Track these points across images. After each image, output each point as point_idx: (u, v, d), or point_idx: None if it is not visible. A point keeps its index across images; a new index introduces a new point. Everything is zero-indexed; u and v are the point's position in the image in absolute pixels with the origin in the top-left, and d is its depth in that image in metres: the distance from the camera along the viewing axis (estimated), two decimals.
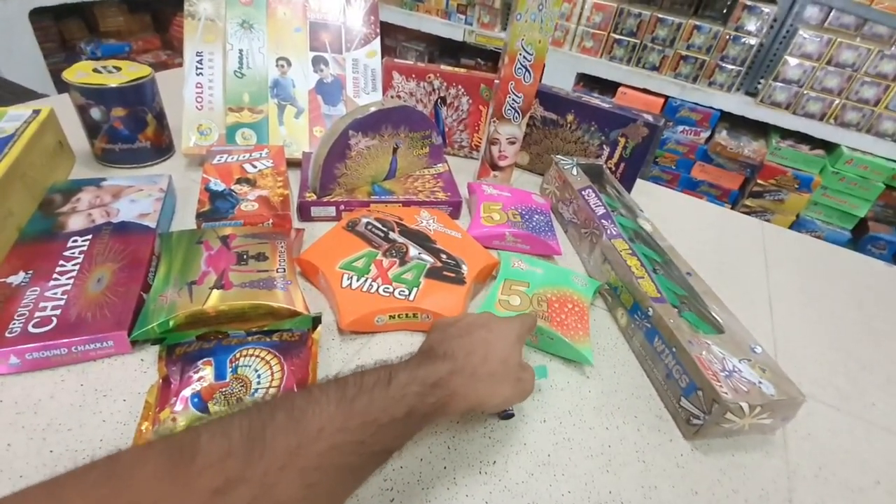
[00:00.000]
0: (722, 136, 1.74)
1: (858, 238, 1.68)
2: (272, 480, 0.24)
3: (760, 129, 1.78)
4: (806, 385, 0.45)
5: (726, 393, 0.41)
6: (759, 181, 1.69)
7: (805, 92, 1.59)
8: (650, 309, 0.49)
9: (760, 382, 0.43)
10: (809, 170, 1.64)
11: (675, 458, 0.42)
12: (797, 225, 1.72)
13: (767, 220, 1.68)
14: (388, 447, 0.30)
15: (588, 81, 1.95)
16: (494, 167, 0.74)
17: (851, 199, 1.63)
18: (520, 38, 0.62)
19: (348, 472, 0.28)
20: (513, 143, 0.72)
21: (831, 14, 1.59)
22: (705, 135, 1.78)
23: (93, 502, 0.22)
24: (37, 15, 1.65)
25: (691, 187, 1.85)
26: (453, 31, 2.05)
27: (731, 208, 1.79)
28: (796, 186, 1.65)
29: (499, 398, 0.36)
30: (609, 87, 1.89)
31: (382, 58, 0.80)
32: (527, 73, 0.65)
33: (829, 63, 1.54)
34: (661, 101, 1.78)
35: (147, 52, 2.06)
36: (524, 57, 0.63)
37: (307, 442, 0.26)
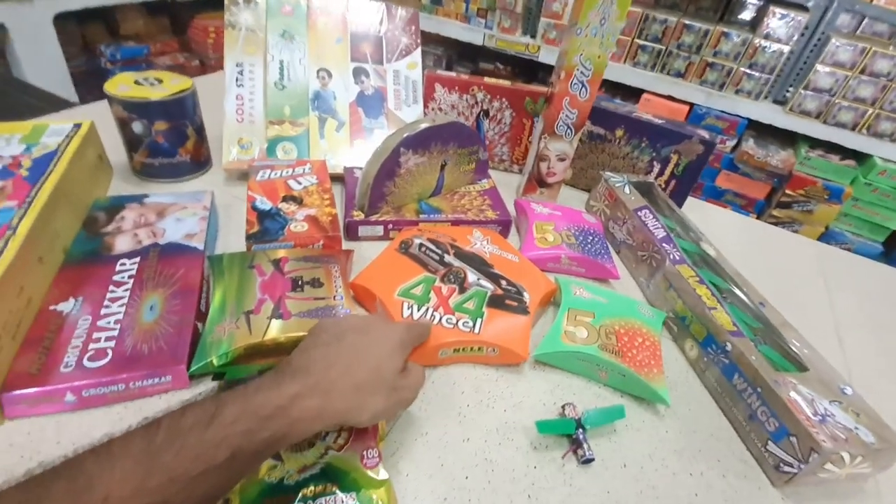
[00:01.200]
0: (749, 145, 1.71)
1: (891, 251, 1.65)
2: None
3: (788, 138, 1.74)
4: (889, 424, 0.42)
5: (825, 441, 0.38)
6: (787, 191, 1.66)
7: (837, 101, 1.55)
8: (728, 344, 0.47)
9: (857, 428, 0.40)
10: (840, 180, 1.61)
11: None
12: (826, 237, 1.69)
13: (796, 231, 1.65)
14: (206, 497, 0.27)
15: (610, 87, 1.92)
16: (542, 184, 0.72)
17: (883, 211, 1.59)
18: (578, 53, 0.59)
19: None
20: (563, 160, 0.69)
21: (864, 22, 1.56)
22: (731, 143, 1.75)
23: None
24: (60, 19, 1.64)
25: (716, 196, 1.82)
26: (473, 34, 2.03)
27: (757, 218, 1.76)
28: (826, 197, 1.62)
29: (368, 412, 0.33)
30: (632, 94, 1.86)
31: (423, 70, 0.78)
32: (583, 89, 0.62)
33: (862, 72, 1.50)
34: (687, 108, 1.75)
35: (165, 55, 2.05)
36: (582, 72, 0.61)
37: None
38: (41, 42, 1.60)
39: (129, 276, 0.48)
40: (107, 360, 0.40)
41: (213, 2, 2.15)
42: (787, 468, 0.40)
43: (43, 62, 1.62)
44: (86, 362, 0.40)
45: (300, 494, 0.33)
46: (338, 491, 0.34)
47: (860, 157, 1.61)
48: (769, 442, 0.42)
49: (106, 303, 0.45)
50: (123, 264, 0.49)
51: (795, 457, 0.40)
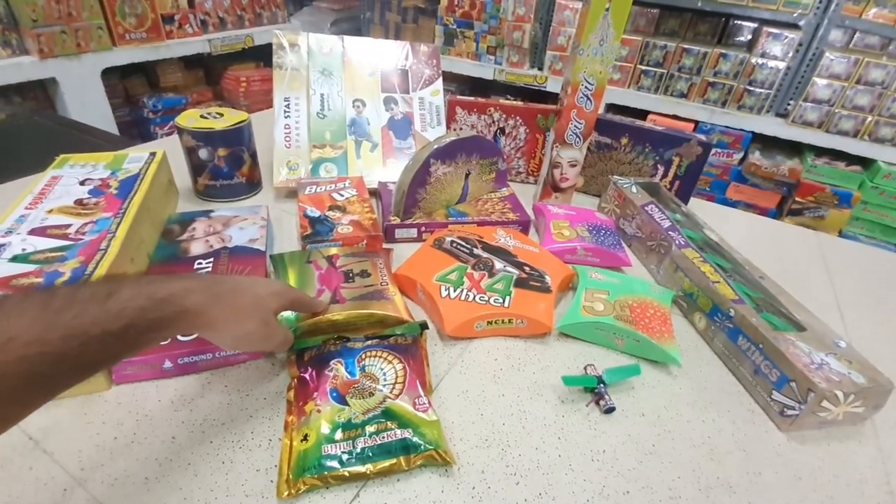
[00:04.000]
0: (756, 157, 1.77)
1: None
2: None
3: (793, 148, 1.80)
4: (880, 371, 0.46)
5: (820, 382, 0.43)
6: (797, 199, 1.71)
7: (836, 110, 1.62)
8: (731, 310, 0.52)
9: (849, 373, 0.45)
10: (848, 186, 1.65)
11: (774, 448, 0.45)
12: None
13: None
14: (99, 360, 0.30)
15: (616, 111, 2.02)
16: (556, 189, 0.80)
17: (893, 213, 1.62)
18: (582, 71, 0.68)
19: (39, 382, 0.27)
20: (574, 165, 0.77)
21: (856, 36, 1.64)
22: (738, 156, 1.82)
23: None
24: (106, 73, 1.82)
25: None
26: (483, 70, 2.16)
27: None
28: (836, 202, 1.66)
29: (243, 330, 0.38)
30: (638, 116, 1.95)
31: (445, 96, 0.88)
32: (588, 102, 0.71)
33: (857, 82, 1.57)
34: (692, 126, 1.83)
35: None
36: (586, 87, 0.69)
37: None
38: (89, 94, 1.77)
39: (207, 273, 0.56)
40: (196, 335, 0.48)
41: (243, 55, 2.35)
42: (789, 412, 0.45)
43: (91, 112, 1.79)
44: (180, 337, 0.47)
45: (367, 429, 0.40)
46: (396, 428, 0.40)
47: (865, 163, 1.66)
48: (773, 391, 0.47)
49: None
50: (200, 263, 0.57)
51: (796, 399, 0.45)
